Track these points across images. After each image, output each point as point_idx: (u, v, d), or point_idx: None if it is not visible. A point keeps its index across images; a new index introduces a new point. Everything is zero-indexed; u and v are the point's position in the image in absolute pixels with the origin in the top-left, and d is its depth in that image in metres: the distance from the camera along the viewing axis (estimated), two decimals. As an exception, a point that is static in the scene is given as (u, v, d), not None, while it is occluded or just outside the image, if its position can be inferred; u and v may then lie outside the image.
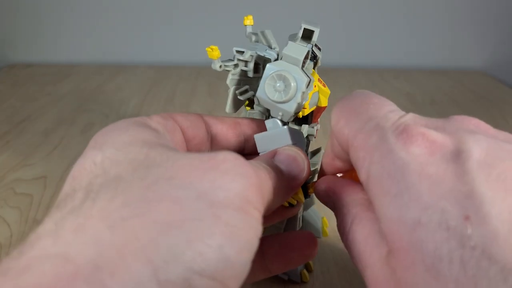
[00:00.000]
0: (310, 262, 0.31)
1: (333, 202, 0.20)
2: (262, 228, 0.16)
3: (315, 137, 0.26)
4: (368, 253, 0.15)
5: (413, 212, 0.12)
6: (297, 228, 0.28)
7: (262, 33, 0.24)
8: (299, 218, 0.28)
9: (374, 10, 0.80)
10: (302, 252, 0.21)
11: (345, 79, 0.76)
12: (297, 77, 0.20)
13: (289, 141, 0.21)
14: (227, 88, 0.24)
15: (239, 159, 0.16)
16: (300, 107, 0.21)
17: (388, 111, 0.16)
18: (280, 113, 0.22)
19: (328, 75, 0.77)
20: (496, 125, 0.59)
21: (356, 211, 0.17)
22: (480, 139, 0.13)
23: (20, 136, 0.53)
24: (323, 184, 0.21)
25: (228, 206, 0.14)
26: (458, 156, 0.13)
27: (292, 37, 0.23)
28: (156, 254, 0.13)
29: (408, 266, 0.12)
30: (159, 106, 0.63)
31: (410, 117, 0.15)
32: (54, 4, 0.79)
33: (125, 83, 0.73)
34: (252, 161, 0.18)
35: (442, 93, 0.71)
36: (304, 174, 0.20)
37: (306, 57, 0.21)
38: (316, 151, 0.29)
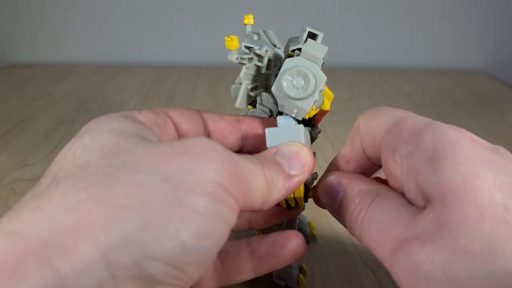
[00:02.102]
0: (304, 265, 0.30)
1: (341, 192, 0.19)
2: (235, 217, 0.16)
3: (314, 140, 0.25)
4: (394, 216, 0.16)
5: (471, 167, 0.14)
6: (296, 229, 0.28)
7: (265, 32, 0.24)
8: (297, 222, 0.28)
9: (374, 10, 0.80)
10: (291, 249, 0.21)
11: (345, 79, 0.76)
12: (317, 75, 0.20)
13: (302, 139, 0.21)
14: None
15: (212, 143, 0.16)
16: (314, 105, 0.21)
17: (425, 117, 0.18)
18: (295, 110, 0.21)
19: (328, 75, 0.77)
20: (496, 125, 0.59)
21: (378, 191, 0.18)
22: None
23: (20, 136, 0.53)
24: (332, 175, 0.20)
25: (194, 190, 0.14)
26: (493, 149, 0.16)
27: (294, 40, 0.22)
28: (107, 236, 0.13)
29: (462, 207, 0.14)
30: (159, 106, 0.63)
31: None
32: (54, 4, 0.79)
33: (125, 83, 0.73)
34: (245, 155, 0.18)
35: (442, 93, 0.71)
36: (306, 169, 0.19)
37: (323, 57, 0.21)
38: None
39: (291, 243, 0.21)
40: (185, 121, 0.22)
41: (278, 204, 0.22)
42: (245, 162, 0.17)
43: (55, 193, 0.14)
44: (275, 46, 0.24)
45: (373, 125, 0.19)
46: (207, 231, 0.14)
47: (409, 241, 0.15)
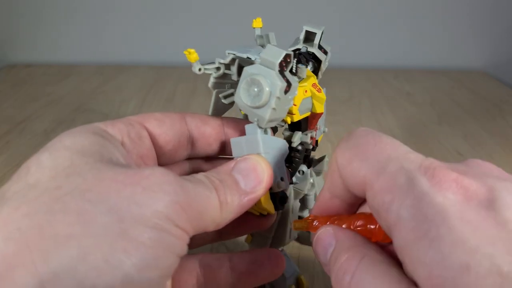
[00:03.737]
0: (303, 278, 0.29)
1: (333, 245, 0.18)
2: (184, 246, 0.16)
3: (313, 145, 0.25)
4: None
5: (459, 256, 0.12)
6: (287, 238, 0.27)
7: (266, 36, 0.24)
8: (290, 229, 0.27)
9: (374, 10, 0.80)
10: (269, 269, 0.21)
11: (345, 79, 0.76)
12: (271, 82, 0.19)
13: (260, 150, 0.20)
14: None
15: (167, 175, 0.16)
16: (278, 113, 0.20)
17: (406, 151, 0.16)
18: (256, 119, 0.20)
19: (328, 75, 0.77)
20: (496, 125, 0.59)
21: (366, 251, 0.16)
22: (509, 187, 0.13)
23: (20, 136, 0.53)
24: (327, 227, 0.19)
25: (140, 222, 0.14)
26: (493, 203, 0.13)
27: (296, 40, 0.22)
28: (46, 266, 0.13)
29: None
30: (159, 106, 0.63)
31: (433, 160, 0.15)
32: (54, 4, 0.79)
33: (125, 83, 0.73)
34: (196, 175, 0.18)
35: (442, 93, 0.71)
36: (263, 185, 0.19)
37: (287, 61, 0.20)
38: (321, 159, 0.28)
39: (270, 263, 0.20)
40: (165, 132, 0.21)
41: (250, 213, 0.22)
42: (198, 190, 0.17)
43: None
44: None
45: (353, 173, 0.17)
46: (151, 262, 0.14)
47: None
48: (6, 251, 0.13)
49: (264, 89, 0.19)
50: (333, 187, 0.19)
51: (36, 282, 0.12)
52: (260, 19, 0.23)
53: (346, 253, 0.17)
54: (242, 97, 0.20)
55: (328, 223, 0.19)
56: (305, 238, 0.33)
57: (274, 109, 0.20)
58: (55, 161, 0.16)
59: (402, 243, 0.14)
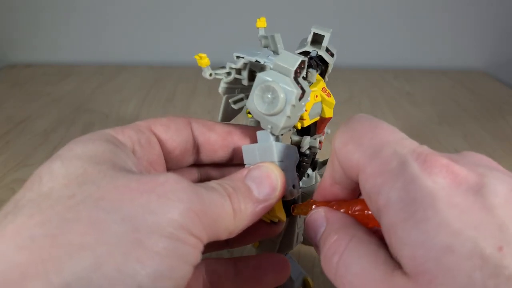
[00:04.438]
0: (309, 279, 0.29)
1: (324, 226, 0.18)
2: (199, 255, 0.16)
3: (319, 149, 0.24)
4: (370, 270, 0.15)
5: (443, 237, 0.12)
6: (294, 244, 0.27)
7: (272, 37, 0.23)
8: (297, 233, 0.27)
9: (374, 10, 0.80)
10: (274, 275, 0.21)
11: (345, 79, 0.76)
12: (286, 89, 0.19)
13: (274, 158, 0.20)
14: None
15: (182, 182, 0.16)
16: (291, 120, 0.20)
17: (401, 138, 0.16)
18: (269, 126, 0.20)
19: (328, 75, 0.77)
20: (496, 125, 0.59)
21: (355, 232, 0.17)
22: (499, 176, 0.14)
23: (20, 136, 0.53)
24: (319, 209, 0.19)
25: (155, 231, 0.14)
26: (482, 189, 0.13)
27: (303, 42, 0.22)
28: (59, 276, 0.13)
29: None
30: (159, 106, 0.63)
31: (426, 147, 0.15)
32: (54, 4, 0.79)
33: (125, 83, 0.73)
34: (209, 183, 0.18)
35: (442, 93, 0.71)
36: (277, 193, 0.19)
37: (301, 67, 0.20)
38: (326, 162, 0.27)
39: (274, 269, 0.20)
40: (172, 137, 0.21)
41: (261, 220, 0.22)
42: (213, 198, 0.17)
43: (10, 226, 0.14)
44: (276, 52, 0.23)
45: (347, 156, 0.17)
46: (165, 272, 0.14)
47: None
48: (19, 260, 0.13)
49: (279, 97, 0.19)
50: (333, 172, 0.19)
51: None
52: (264, 19, 0.23)
53: (336, 234, 0.17)
54: (256, 104, 0.20)
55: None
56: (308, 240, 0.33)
57: (288, 116, 0.19)
58: (68, 169, 0.16)
59: (389, 224, 0.14)
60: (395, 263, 0.14)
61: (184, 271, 0.15)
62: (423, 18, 0.81)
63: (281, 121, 0.19)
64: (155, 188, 0.15)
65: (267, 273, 0.20)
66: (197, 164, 0.23)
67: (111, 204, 0.14)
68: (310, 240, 0.19)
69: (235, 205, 0.17)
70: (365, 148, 0.16)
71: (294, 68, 0.19)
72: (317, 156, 0.25)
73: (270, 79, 0.19)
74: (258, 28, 0.23)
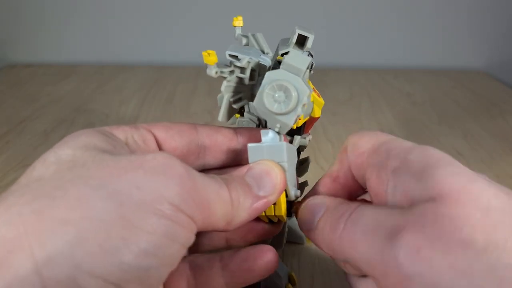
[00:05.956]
0: (294, 274, 0.29)
1: (322, 210, 0.19)
2: (191, 236, 0.16)
3: (305, 147, 0.25)
4: (383, 213, 0.16)
5: (467, 173, 0.15)
6: (284, 240, 0.27)
7: (254, 36, 0.23)
8: (285, 233, 0.27)
9: (374, 10, 0.80)
10: (263, 264, 0.21)
11: (345, 79, 0.76)
12: (299, 88, 0.19)
13: (284, 158, 0.20)
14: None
15: (171, 159, 0.16)
16: (297, 119, 0.20)
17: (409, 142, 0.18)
18: (278, 125, 0.20)
19: (328, 75, 0.77)
20: (496, 125, 0.59)
21: (359, 203, 0.18)
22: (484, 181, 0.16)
23: (20, 136, 0.53)
24: (317, 196, 0.20)
25: (141, 207, 0.14)
26: (478, 174, 0.16)
27: (284, 42, 0.21)
28: (42, 250, 0.13)
29: (461, 206, 0.14)
30: (159, 106, 0.63)
31: None
32: (54, 4, 0.79)
33: (125, 83, 0.73)
34: (213, 175, 0.18)
35: (442, 93, 0.71)
36: (276, 189, 0.19)
37: (307, 68, 0.20)
38: (304, 161, 0.27)
39: (262, 258, 0.20)
40: (172, 136, 0.21)
41: (259, 219, 0.22)
42: (208, 181, 0.17)
43: (0, 205, 0.14)
44: (263, 51, 0.23)
45: (360, 145, 0.19)
46: (150, 249, 0.14)
47: (406, 227, 0.14)
48: (6, 235, 0.13)
49: (292, 95, 0.19)
50: (339, 168, 0.20)
51: (32, 266, 0.13)
52: (241, 18, 0.23)
53: (341, 206, 0.18)
54: (266, 102, 0.20)
55: None
56: (292, 234, 0.34)
57: (298, 115, 0.20)
58: (59, 157, 0.16)
59: (406, 176, 0.16)
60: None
61: (172, 250, 0.15)
62: (423, 18, 0.81)
63: (291, 120, 0.20)
64: (143, 164, 0.15)
65: (255, 264, 0.20)
66: (205, 169, 0.23)
67: (99, 181, 0.14)
68: (303, 226, 0.20)
69: (233, 194, 0.17)
70: (380, 138, 0.19)
71: (305, 68, 0.19)
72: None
73: (281, 78, 0.19)
74: (235, 27, 0.23)
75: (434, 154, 0.16)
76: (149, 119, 0.59)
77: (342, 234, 0.17)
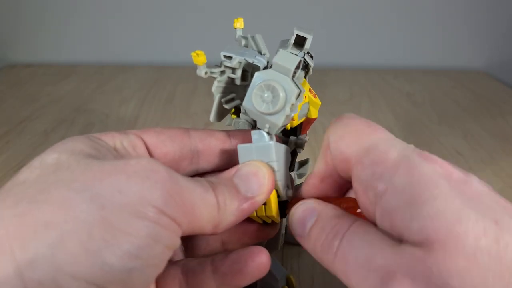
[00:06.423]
0: (292, 277, 0.29)
1: (314, 217, 0.18)
2: (175, 239, 0.16)
3: (302, 149, 0.24)
4: (377, 243, 0.15)
5: (452, 211, 0.14)
6: (280, 242, 0.26)
7: (253, 37, 0.23)
8: (282, 235, 0.26)
9: (374, 10, 0.80)
10: (255, 265, 0.20)
11: (345, 79, 0.76)
12: (286, 88, 0.19)
13: (273, 157, 0.20)
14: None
15: (154, 163, 0.16)
16: (288, 119, 0.20)
17: (394, 138, 0.17)
18: (267, 125, 0.20)
19: (328, 75, 0.77)
20: (496, 125, 0.59)
21: (355, 218, 0.17)
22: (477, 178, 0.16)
23: (20, 136, 0.53)
24: (308, 200, 0.19)
25: (123, 210, 0.14)
26: (468, 182, 0.15)
27: (284, 43, 0.21)
28: (23, 252, 0.13)
29: (448, 255, 0.13)
30: (159, 106, 0.63)
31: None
32: (54, 4, 0.79)
33: (125, 83, 0.73)
34: (198, 178, 0.18)
35: (442, 93, 0.71)
36: (264, 190, 0.19)
37: (297, 67, 0.20)
38: (304, 162, 0.27)
39: (254, 260, 0.20)
40: (163, 141, 0.21)
41: (253, 220, 0.22)
42: (192, 185, 0.17)
43: None
44: (260, 52, 0.23)
45: (342, 148, 0.18)
46: (132, 251, 0.14)
47: (397, 275, 0.14)
48: None
49: (279, 95, 0.19)
50: (325, 166, 0.19)
51: (14, 269, 0.13)
52: (242, 20, 0.23)
53: (335, 220, 0.17)
54: (255, 102, 0.19)
55: None
56: (290, 236, 0.33)
57: (287, 115, 0.19)
58: (44, 162, 0.16)
59: (391, 206, 0.15)
60: (399, 240, 0.15)
61: (155, 252, 0.15)
62: (423, 18, 0.81)
63: (280, 120, 0.19)
64: (126, 168, 0.15)
65: (246, 266, 0.20)
66: (199, 173, 0.23)
67: (82, 184, 0.15)
68: (294, 232, 0.19)
69: (220, 198, 0.17)
70: (363, 141, 0.17)
71: (294, 68, 0.19)
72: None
73: (269, 78, 0.19)
74: (235, 28, 0.23)
75: (421, 178, 0.15)
76: (149, 119, 0.59)
77: (335, 259, 0.16)
